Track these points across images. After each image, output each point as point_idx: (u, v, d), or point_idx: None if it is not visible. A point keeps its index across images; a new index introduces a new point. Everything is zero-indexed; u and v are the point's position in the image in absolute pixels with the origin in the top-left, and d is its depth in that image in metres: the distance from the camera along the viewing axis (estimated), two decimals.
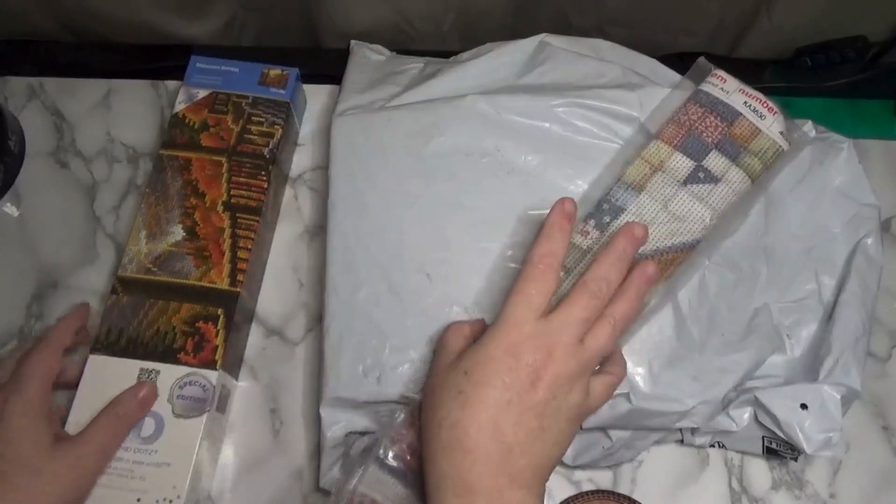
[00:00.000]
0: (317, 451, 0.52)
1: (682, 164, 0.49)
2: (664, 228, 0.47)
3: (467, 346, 0.44)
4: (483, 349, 0.41)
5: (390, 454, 0.44)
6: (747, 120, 0.50)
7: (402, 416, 0.45)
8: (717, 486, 0.54)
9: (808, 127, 0.59)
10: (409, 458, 0.44)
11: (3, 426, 0.44)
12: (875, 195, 0.57)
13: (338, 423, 0.50)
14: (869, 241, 0.55)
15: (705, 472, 0.55)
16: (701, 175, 0.48)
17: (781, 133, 0.50)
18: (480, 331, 0.44)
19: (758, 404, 0.51)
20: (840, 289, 0.54)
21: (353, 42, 0.66)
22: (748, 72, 0.60)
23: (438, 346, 0.47)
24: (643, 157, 0.50)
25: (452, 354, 0.44)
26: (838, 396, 0.50)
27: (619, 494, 0.52)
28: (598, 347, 0.42)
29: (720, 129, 0.49)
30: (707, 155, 0.49)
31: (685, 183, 0.48)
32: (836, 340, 0.52)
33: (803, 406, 0.50)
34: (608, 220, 0.47)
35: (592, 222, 0.48)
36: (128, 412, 0.48)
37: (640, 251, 0.45)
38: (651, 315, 0.50)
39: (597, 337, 0.42)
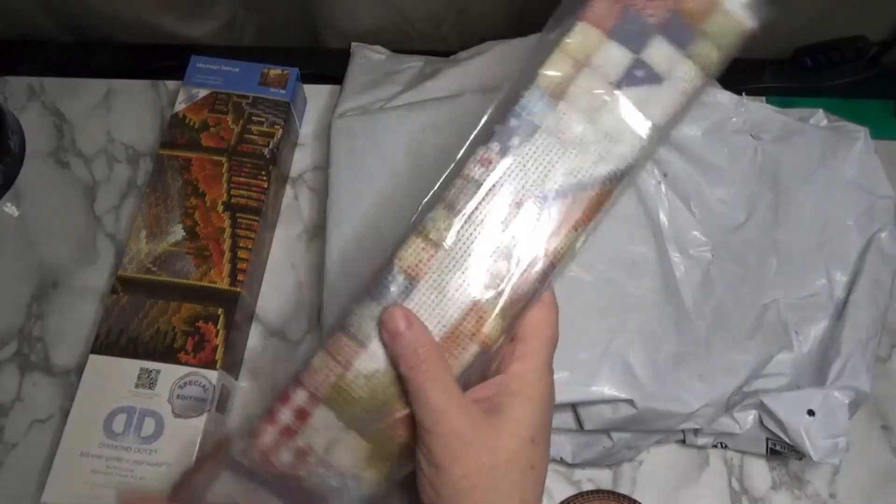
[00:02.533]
0: None
1: (614, 57, 0.36)
2: (591, 153, 0.35)
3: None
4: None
5: (249, 456, 0.35)
6: None
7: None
8: (717, 486, 0.54)
9: (820, 116, 0.58)
10: (272, 460, 0.35)
11: None
12: (893, 187, 0.55)
13: None
14: (883, 234, 0.54)
15: (705, 472, 0.55)
16: (639, 73, 0.36)
17: (745, 5, 0.37)
18: None
19: (763, 409, 0.50)
20: (852, 285, 0.53)
21: (353, 44, 0.66)
22: (748, 72, 0.60)
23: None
24: (563, 48, 0.36)
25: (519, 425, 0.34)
26: (846, 401, 0.49)
27: (619, 494, 0.52)
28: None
29: (667, 2, 0.36)
30: (648, 42, 0.36)
31: (618, 85, 0.35)
32: (845, 342, 0.51)
33: (810, 412, 0.49)
34: (517, 142, 0.35)
35: (496, 146, 0.35)
36: None
37: (554, 186, 0.35)
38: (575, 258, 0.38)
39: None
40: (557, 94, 0.35)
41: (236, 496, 0.36)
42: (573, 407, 0.50)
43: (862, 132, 0.57)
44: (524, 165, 0.35)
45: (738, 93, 0.58)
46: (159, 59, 0.69)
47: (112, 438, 0.49)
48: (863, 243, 0.54)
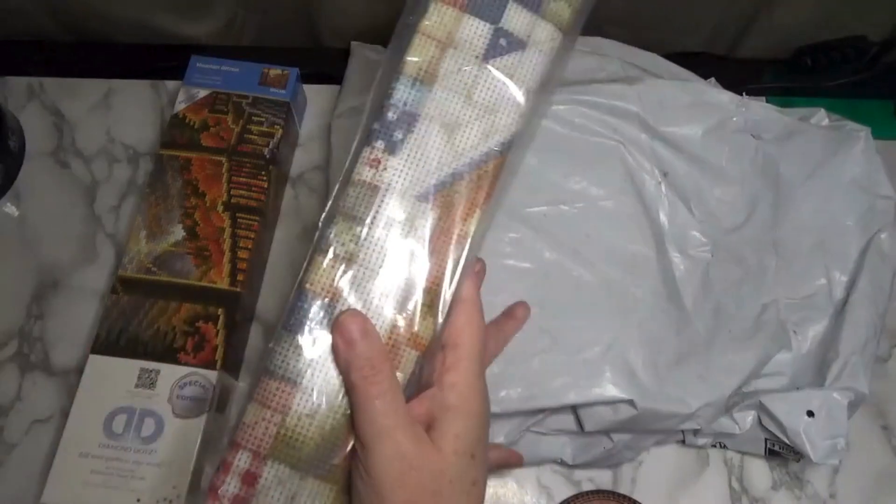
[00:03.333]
0: None
1: (475, 30, 0.36)
2: (476, 129, 0.35)
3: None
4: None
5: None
6: None
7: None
8: (717, 486, 0.54)
9: (821, 115, 0.58)
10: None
11: None
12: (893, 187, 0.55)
13: None
14: (883, 235, 0.54)
15: (705, 472, 0.55)
16: (503, 42, 0.36)
17: None
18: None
19: (763, 409, 0.50)
20: (851, 286, 0.53)
21: (353, 43, 0.66)
22: (748, 72, 0.60)
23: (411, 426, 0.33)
24: (422, 30, 0.35)
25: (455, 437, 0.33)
26: (845, 402, 0.49)
27: (619, 494, 0.52)
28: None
29: None
30: (504, 10, 0.36)
31: (485, 58, 0.35)
32: (844, 343, 0.51)
33: (809, 413, 0.49)
34: (401, 136, 0.34)
35: (381, 144, 0.34)
36: None
37: (449, 170, 0.34)
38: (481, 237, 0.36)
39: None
40: (428, 78, 0.35)
41: None
42: (573, 408, 0.50)
43: (863, 132, 0.57)
44: (413, 157, 0.34)
45: (739, 93, 0.58)
46: (159, 59, 0.69)
47: (112, 439, 0.49)
48: (863, 244, 0.54)
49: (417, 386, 0.34)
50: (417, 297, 0.34)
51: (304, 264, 0.33)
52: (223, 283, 0.54)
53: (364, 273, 0.33)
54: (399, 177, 0.34)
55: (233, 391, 0.55)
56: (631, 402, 0.48)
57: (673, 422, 0.50)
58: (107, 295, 0.54)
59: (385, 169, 0.34)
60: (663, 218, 0.53)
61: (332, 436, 0.33)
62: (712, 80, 0.58)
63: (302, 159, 0.65)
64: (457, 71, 0.35)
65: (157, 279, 0.54)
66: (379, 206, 0.34)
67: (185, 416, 0.50)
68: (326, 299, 0.33)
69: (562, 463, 0.53)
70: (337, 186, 0.34)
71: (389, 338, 0.33)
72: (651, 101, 0.54)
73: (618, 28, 0.67)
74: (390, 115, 0.34)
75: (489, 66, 0.36)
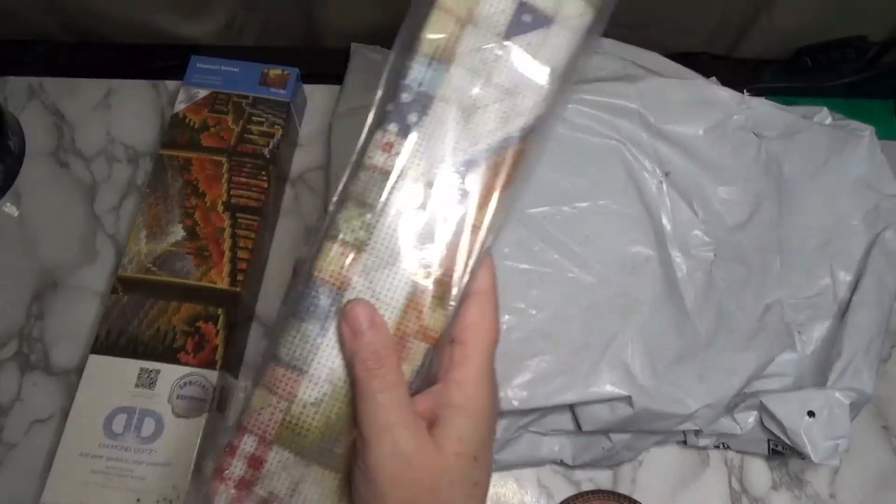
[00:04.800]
0: None
1: (497, 6, 0.33)
2: (495, 113, 0.33)
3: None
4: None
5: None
6: None
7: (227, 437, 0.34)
8: (717, 486, 0.54)
9: (824, 114, 0.58)
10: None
11: None
12: None
13: None
14: (888, 234, 0.53)
15: (705, 472, 0.55)
16: (527, 18, 0.33)
17: None
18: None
19: (763, 410, 0.50)
20: (856, 285, 0.52)
21: (353, 44, 0.66)
22: (748, 72, 0.60)
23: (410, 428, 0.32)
24: (440, 6, 0.33)
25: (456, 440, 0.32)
26: (847, 402, 0.49)
27: (619, 494, 0.52)
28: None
29: None
30: None
31: (507, 35, 0.33)
32: (847, 342, 0.51)
33: (810, 413, 0.49)
34: (415, 119, 0.32)
35: (394, 127, 0.32)
36: None
37: (465, 156, 0.33)
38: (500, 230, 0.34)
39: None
40: (445, 57, 0.33)
41: None
42: (571, 408, 0.50)
43: (867, 130, 0.57)
44: (428, 141, 0.32)
45: (739, 92, 0.58)
46: (159, 59, 0.69)
47: (112, 438, 0.49)
48: (868, 242, 0.54)
49: (426, 379, 0.33)
50: (428, 288, 0.32)
51: (314, 251, 0.33)
52: (223, 283, 0.54)
53: (373, 261, 0.32)
54: (412, 162, 0.32)
55: (233, 391, 0.55)
56: (628, 401, 0.48)
57: (672, 422, 0.49)
58: (107, 295, 0.54)
59: (398, 153, 0.32)
60: (665, 218, 0.53)
61: (337, 425, 0.32)
62: (713, 79, 0.58)
63: (302, 159, 0.65)
64: (476, 49, 0.33)
65: (157, 279, 0.54)
66: (390, 192, 0.32)
67: (185, 416, 0.50)
68: (335, 287, 0.32)
69: (561, 463, 0.53)
70: (348, 170, 0.33)
71: (398, 329, 0.32)
72: (652, 99, 0.54)
73: (618, 28, 0.67)
74: (404, 97, 0.33)
75: (511, 45, 0.33)
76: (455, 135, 0.32)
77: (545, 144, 0.34)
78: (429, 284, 0.32)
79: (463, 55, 0.33)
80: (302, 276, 0.33)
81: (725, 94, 0.56)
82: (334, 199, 0.32)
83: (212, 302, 0.53)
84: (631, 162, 0.54)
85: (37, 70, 0.69)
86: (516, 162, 0.33)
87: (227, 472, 0.32)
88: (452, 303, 0.32)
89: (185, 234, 0.56)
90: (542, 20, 0.33)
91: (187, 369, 0.51)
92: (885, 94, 0.68)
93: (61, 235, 0.62)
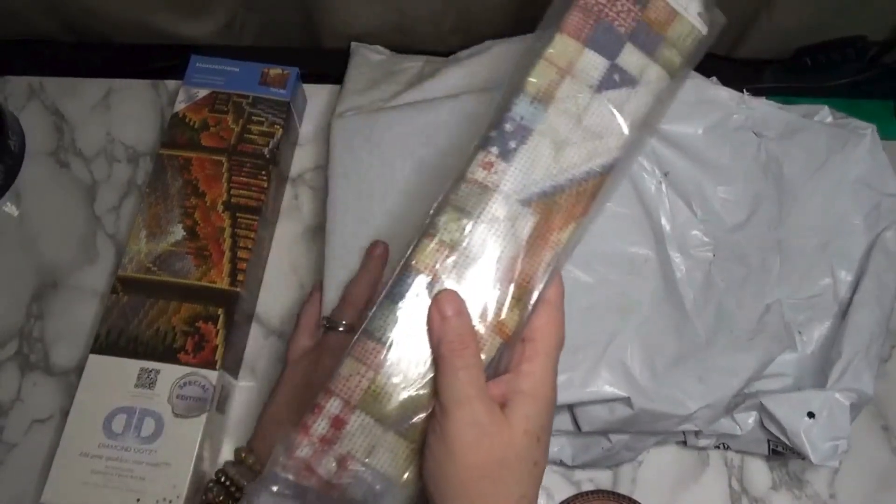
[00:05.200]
0: None
1: (593, 63, 0.39)
2: (581, 150, 0.39)
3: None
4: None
5: (291, 470, 0.36)
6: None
7: (292, 436, 0.37)
8: (717, 486, 0.54)
9: (825, 113, 0.58)
10: (315, 470, 0.37)
11: None
12: None
13: None
14: (889, 234, 0.53)
15: (705, 472, 0.55)
16: (616, 77, 0.39)
17: (699, 14, 0.41)
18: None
19: (763, 410, 0.50)
20: (856, 285, 0.52)
21: (353, 43, 0.66)
22: (748, 72, 0.60)
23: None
24: (546, 57, 0.39)
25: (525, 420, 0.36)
26: (847, 403, 0.49)
27: (619, 494, 0.52)
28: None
29: (633, 13, 0.40)
30: (621, 50, 0.39)
31: (599, 89, 0.39)
32: (847, 343, 0.50)
33: (810, 414, 0.48)
34: (514, 146, 0.38)
35: (496, 150, 0.38)
36: None
37: (552, 182, 0.38)
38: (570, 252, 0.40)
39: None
40: (546, 99, 0.39)
41: None
42: (570, 408, 0.50)
43: (869, 129, 0.56)
44: (523, 166, 0.38)
45: (739, 92, 0.57)
46: (159, 59, 0.69)
47: (112, 438, 0.49)
48: (868, 242, 0.54)
49: (495, 372, 0.37)
50: (509, 290, 0.37)
51: (412, 245, 0.37)
52: (223, 283, 0.54)
53: (464, 260, 0.37)
54: (508, 181, 0.37)
55: (233, 391, 0.56)
56: (627, 401, 0.48)
57: (671, 423, 0.49)
58: (107, 295, 0.54)
59: (496, 172, 0.37)
60: (664, 218, 0.53)
61: (416, 397, 0.36)
62: (713, 79, 0.58)
63: (302, 159, 0.65)
64: (572, 96, 0.39)
65: (157, 279, 0.54)
66: (486, 204, 0.37)
67: (185, 416, 0.50)
68: (429, 278, 0.37)
69: (561, 463, 0.53)
70: (451, 182, 0.38)
71: (478, 321, 0.37)
72: None
73: None
74: (507, 126, 0.38)
75: (601, 97, 0.39)
76: (546, 163, 0.38)
77: (620, 182, 0.40)
78: (509, 288, 0.37)
79: (560, 99, 0.39)
80: (401, 264, 0.38)
81: (725, 93, 0.56)
82: (435, 204, 0.38)
83: (212, 302, 0.53)
84: None
85: (37, 70, 0.69)
86: (595, 193, 0.39)
87: (311, 428, 0.36)
88: (528, 306, 0.37)
89: (185, 233, 0.56)
90: (628, 80, 0.39)
91: (187, 369, 0.51)
92: (885, 94, 0.68)
93: (61, 235, 0.62)
